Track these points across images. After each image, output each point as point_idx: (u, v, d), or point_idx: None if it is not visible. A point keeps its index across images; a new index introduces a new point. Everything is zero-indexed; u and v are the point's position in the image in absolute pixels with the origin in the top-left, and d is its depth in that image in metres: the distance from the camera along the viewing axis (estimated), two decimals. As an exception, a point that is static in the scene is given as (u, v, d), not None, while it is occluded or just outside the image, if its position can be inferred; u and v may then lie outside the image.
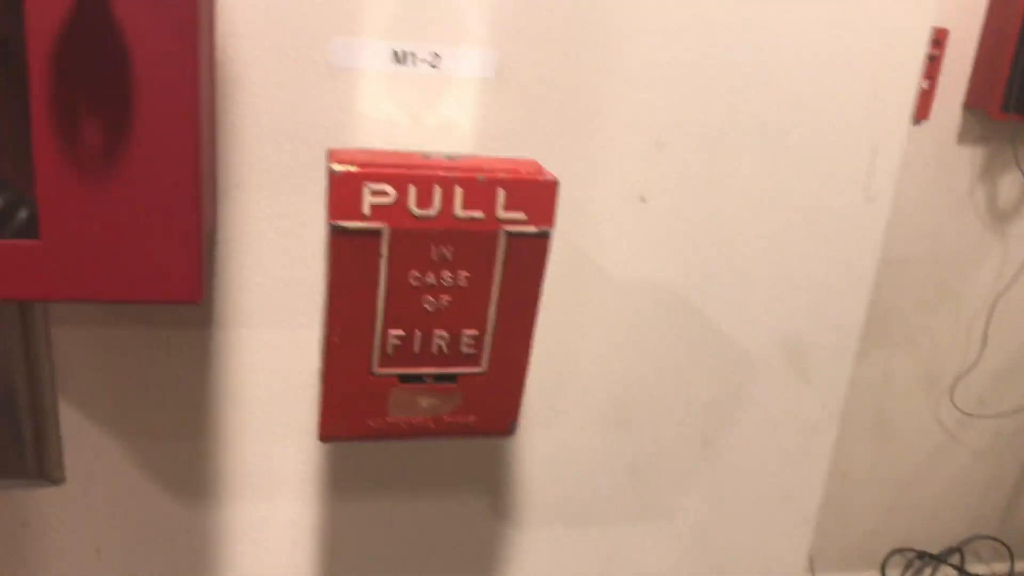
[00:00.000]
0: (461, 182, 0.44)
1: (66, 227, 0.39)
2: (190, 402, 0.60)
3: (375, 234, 0.44)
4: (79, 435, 0.59)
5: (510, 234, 0.46)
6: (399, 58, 0.55)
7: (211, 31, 0.50)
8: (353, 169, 0.43)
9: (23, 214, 0.41)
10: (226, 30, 0.52)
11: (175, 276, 0.41)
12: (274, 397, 0.62)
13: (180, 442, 0.61)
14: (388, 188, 0.44)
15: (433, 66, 0.56)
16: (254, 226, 0.57)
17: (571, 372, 0.66)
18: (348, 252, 0.45)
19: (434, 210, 0.45)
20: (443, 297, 0.47)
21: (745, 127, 0.62)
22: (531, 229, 0.46)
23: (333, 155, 0.45)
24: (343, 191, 0.43)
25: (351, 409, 0.49)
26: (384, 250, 0.45)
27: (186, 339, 0.59)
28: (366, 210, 0.44)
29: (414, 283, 0.46)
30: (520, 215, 0.46)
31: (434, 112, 0.57)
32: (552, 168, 0.59)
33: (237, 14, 0.52)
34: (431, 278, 0.46)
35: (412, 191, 0.44)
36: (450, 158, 0.47)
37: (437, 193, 0.44)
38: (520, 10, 0.56)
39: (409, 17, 0.54)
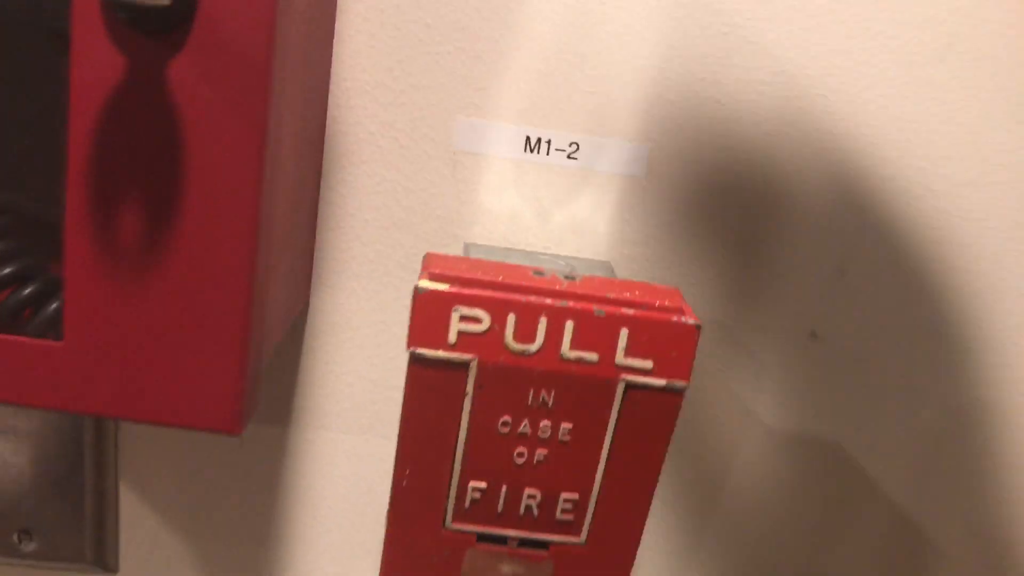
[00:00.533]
0: (573, 315, 0.35)
1: (93, 331, 0.33)
2: (259, 505, 0.54)
3: (461, 367, 0.36)
4: (137, 524, 0.54)
5: (631, 385, 0.36)
6: (531, 145, 0.47)
7: (317, 103, 0.44)
8: (442, 288, 0.35)
9: (53, 306, 0.35)
10: (340, 101, 0.46)
11: (211, 403, 0.34)
12: (352, 511, 0.54)
13: (243, 547, 0.54)
14: (482, 314, 0.35)
15: (571, 157, 0.48)
16: (348, 319, 0.50)
17: (693, 549, 0.55)
18: (427, 385, 0.36)
19: (536, 346, 0.36)
20: (539, 450, 0.38)
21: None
22: (659, 382, 0.36)
23: (426, 263, 0.37)
24: (427, 313, 0.35)
25: (417, 564, 0.40)
26: (470, 388, 0.36)
27: (261, 436, 0.52)
28: (452, 338, 0.35)
29: (503, 429, 0.37)
30: (646, 363, 0.36)
31: (566, 210, 0.49)
32: (703, 297, 0.48)
33: (352, 84, 0.46)
34: (525, 426, 0.37)
35: (511, 320, 0.35)
36: (570, 277, 0.38)
37: (542, 325, 0.35)
38: (682, 99, 0.47)
39: (547, 99, 0.46)
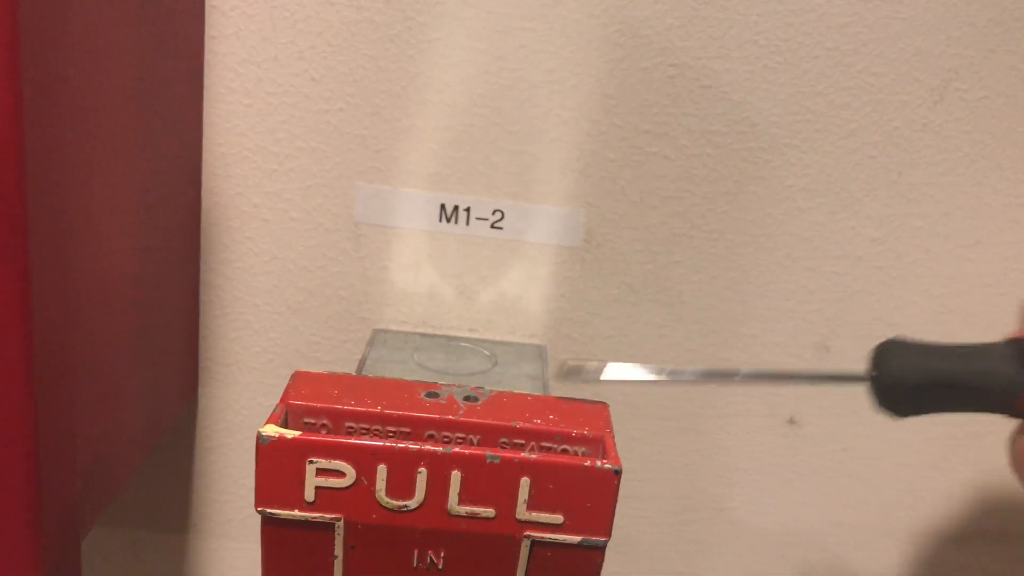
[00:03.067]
0: (461, 463, 0.28)
1: None
2: (155, 626, 0.47)
3: (325, 528, 0.29)
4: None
5: (537, 543, 0.29)
6: (447, 214, 0.40)
7: (175, 173, 0.37)
8: (291, 435, 0.28)
9: None
10: (215, 170, 0.39)
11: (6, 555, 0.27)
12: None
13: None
14: (344, 467, 0.28)
15: (495, 226, 0.40)
16: (244, 417, 0.43)
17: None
18: (287, 548, 0.29)
19: (416, 501, 0.28)
20: (433, 616, 0.31)
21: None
22: (572, 539, 0.29)
23: (287, 391, 0.30)
24: (276, 466, 0.28)
25: None
26: (339, 550, 0.29)
27: (159, 544, 0.46)
28: (310, 495, 0.28)
29: (388, 595, 0.30)
30: (555, 517, 0.29)
31: (493, 287, 0.41)
32: (660, 385, 0.41)
33: (228, 150, 0.38)
34: (414, 590, 0.30)
35: (382, 473, 0.28)
36: (470, 397, 0.31)
37: (421, 478, 0.28)
38: (623, 156, 0.39)
39: (462, 161, 0.39)
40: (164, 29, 0.33)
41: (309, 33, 0.37)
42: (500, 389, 0.32)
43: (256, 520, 0.44)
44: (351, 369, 0.40)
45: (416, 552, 0.29)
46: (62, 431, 0.27)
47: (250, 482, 0.44)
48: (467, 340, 0.42)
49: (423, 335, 0.42)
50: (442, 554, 0.29)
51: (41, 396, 0.25)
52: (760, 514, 0.45)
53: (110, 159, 0.29)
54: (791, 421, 0.44)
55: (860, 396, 0.43)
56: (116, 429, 0.33)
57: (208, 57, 0.37)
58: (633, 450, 0.44)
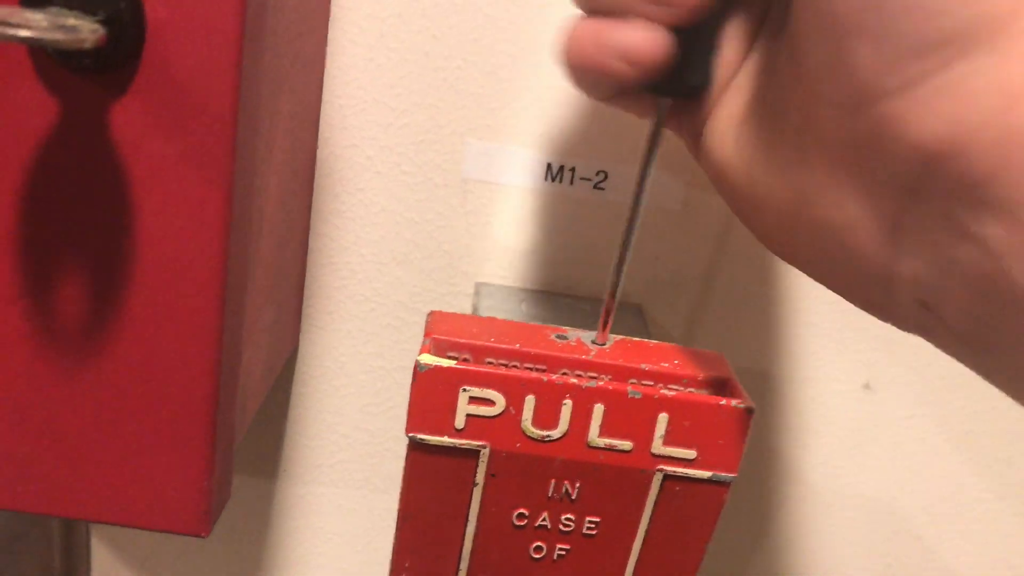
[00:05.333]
0: (604, 396, 0.30)
1: (31, 422, 0.27)
2: (247, 561, 0.48)
3: (470, 455, 0.30)
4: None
5: (669, 476, 0.31)
6: (552, 174, 0.42)
7: (304, 125, 0.38)
8: (447, 364, 0.29)
9: None
10: (332, 121, 0.40)
11: (175, 503, 0.28)
12: (346, 570, 0.49)
13: (226, 611, 0.49)
14: (495, 395, 0.29)
15: (598, 187, 0.42)
16: (342, 364, 0.44)
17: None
18: (430, 473, 0.31)
19: (559, 432, 0.30)
20: (559, 545, 0.32)
21: None
22: (702, 474, 0.31)
23: (429, 326, 0.32)
24: (430, 393, 0.29)
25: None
26: (480, 477, 0.31)
27: (248, 488, 0.47)
28: (460, 422, 0.30)
29: (518, 523, 0.32)
30: (688, 453, 0.30)
31: (593, 247, 0.43)
32: (742, 344, 0.43)
33: (347, 102, 0.40)
34: (544, 519, 0.32)
35: (530, 403, 0.30)
36: (596, 342, 0.33)
37: (566, 409, 0.30)
38: (724, 124, 0.41)
39: (571, 122, 0.41)
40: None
41: (435, -9, 0.38)
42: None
43: (345, 466, 0.46)
44: (450, 321, 0.42)
45: (552, 482, 0.31)
46: (234, 355, 0.29)
47: (343, 428, 0.45)
48: (567, 295, 0.43)
49: (524, 289, 0.43)
50: (577, 484, 0.31)
51: (226, 318, 0.27)
52: (831, 477, 0.47)
53: (275, 98, 0.30)
54: (866, 387, 0.46)
55: (935, 364, 0.45)
56: (252, 363, 0.34)
57: (334, 11, 0.38)
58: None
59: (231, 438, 0.30)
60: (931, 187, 0.19)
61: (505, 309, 0.41)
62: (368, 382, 0.45)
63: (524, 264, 0.43)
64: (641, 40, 0.23)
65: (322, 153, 0.41)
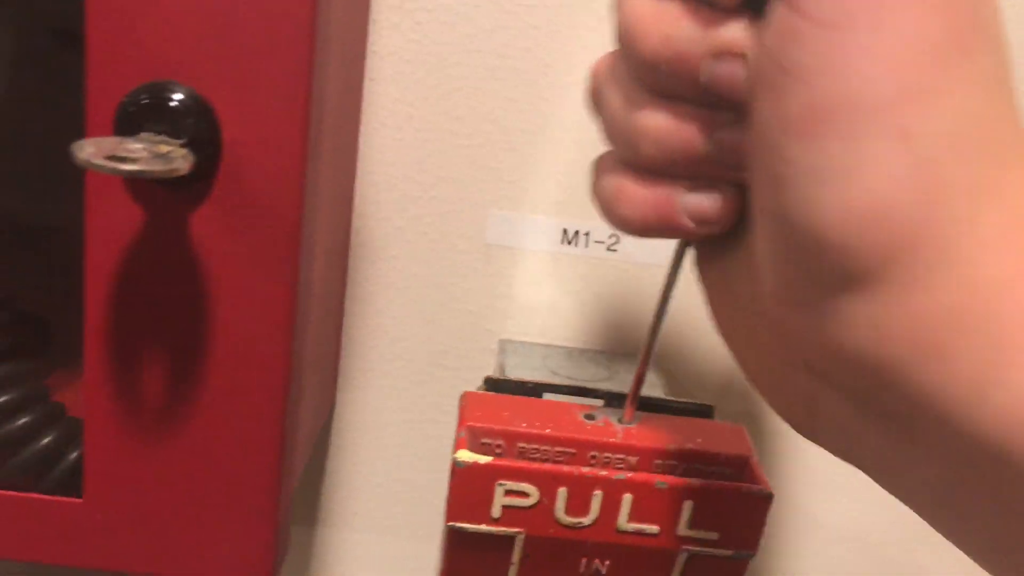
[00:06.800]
0: (633, 488, 0.32)
1: (114, 488, 0.30)
2: (287, 605, 0.51)
3: (506, 541, 0.33)
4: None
5: (693, 555, 0.33)
6: (568, 238, 0.43)
7: (344, 203, 0.40)
8: (484, 461, 0.31)
9: (73, 454, 0.32)
10: (367, 196, 0.42)
11: (242, 558, 0.31)
12: (383, 607, 0.52)
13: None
14: (529, 488, 0.32)
15: (610, 249, 0.44)
16: (376, 418, 0.47)
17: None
18: (468, 558, 0.33)
19: (590, 519, 0.32)
20: (591, 614, 0.35)
21: None
22: (724, 552, 0.33)
23: (463, 412, 0.34)
24: (468, 487, 0.32)
25: None
26: (515, 558, 0.33)
27: (293, 536, 0.50)
28: (496, 512, 0.32)
29: (553, 596, 0.34)
30: (711, 535, 0.32)
31: (607, 303, 0.45)
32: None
33: (380, 178, 0.42)
34: (577, 592, 0.34)
35: (562, 495, 0.32)
36: (624, 421, 0.35)
37: (596, 500, 0.32)
38: (738, 190, 0.42)
39: (584, 190, 0.42)
40: (351, 72, 0.36)
41: (456, 77, 0.40)
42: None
43: (380, 513, 0.49)
44: (478, 375, 0.44)
45: (584, 561, 0.33)
46: (293, 427, 0.31)
47: (377, 478, 0.48)
48: (585, 350, 0.45)
49: (545, 345, 0.45)
50: (607, 562, 0.33)
51: (289, 397, 0.29)
52: (826, 504, 0.49)
53: (325, 186, 0.32)
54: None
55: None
56: (299, 425, 0.36)
57: (366, 96, 0.40)
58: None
59: (289, 496, 0.33)
60: (825, 389, 0.21)
61: (530, 366, 0.43)
62: (398, 434, 0.47)
63: (542, 320, 0.45)
64: (716, 207, 0.23)
65: (356, 224, 0.43)
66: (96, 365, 0.30)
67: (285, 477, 0.32)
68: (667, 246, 0.43)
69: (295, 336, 0.30)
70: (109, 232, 0.28)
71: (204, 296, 0.29)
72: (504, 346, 0.45)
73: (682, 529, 0.32)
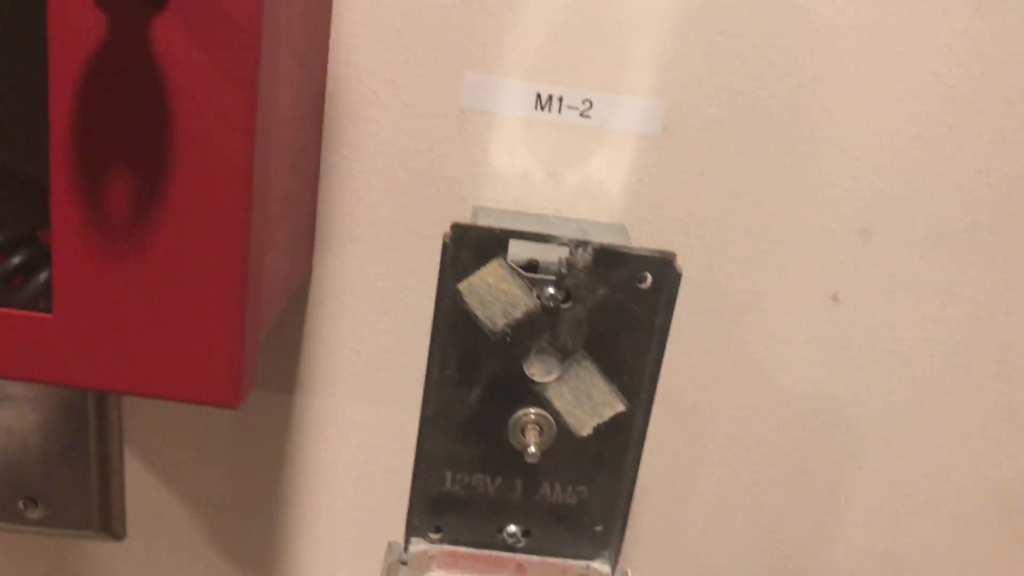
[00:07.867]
0: None
1: (83, 303, 0.31)
2: (264, 474, 0.53)
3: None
4: (143, 491, 0.53)
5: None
6: (542, 103, 0.45)
7: (316, 60, 0.42)
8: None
9: (44, 275, 0.34)
10: (340, 58, 0.44)
11: (209, 376, 0.32)
12: (359, 478, 0.53)
13: (250, 516, 0.54)
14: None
15: (584, 115, 0.45)
16: (352, 285, 0.48)
17: (708, 516, 0.54)
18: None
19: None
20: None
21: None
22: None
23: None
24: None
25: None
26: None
27: (266, 403, 0.51)
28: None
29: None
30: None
31: (579, 170, 0.47)
32: (718, 260, 0.47)
33: (353, 40, 0.43)
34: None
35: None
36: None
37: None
38: (701, 54, 0.44)
39: (559, 54, 0.44)
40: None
41: (432, -67, 0.42)
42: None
43: (358, 379, 0.50)
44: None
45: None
46: (259, 246, 0.33)
47: (355, 344, 0.49)
48: (555, 218, 0.47)
49: (517, 212, 0.47)
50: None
51: (254, 208, 0.31)
52: (799, 383, 0.51)
53: (290, 26, 0.34)
54: (834, 298, 0.50)
55: (902, 276, 0.49)
56: (273, 266, 0.38)
57: (341, -47, 0.42)
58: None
59: (257, 325, 0.34)
60: None
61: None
62: (376, 300, 0.49)
63: (516, 188, 0.47)
64: None
65: (331, 88, 0.44)
66: (61, 180, 0.30)
67: (251, 296, 0.33)
68: (638, 112, 0.45)
69: (257, 147, 0.31)
70: (71, 40, 0.29)
71: (167, 107, 0.29)
72: (477, 211, 0.46)
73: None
